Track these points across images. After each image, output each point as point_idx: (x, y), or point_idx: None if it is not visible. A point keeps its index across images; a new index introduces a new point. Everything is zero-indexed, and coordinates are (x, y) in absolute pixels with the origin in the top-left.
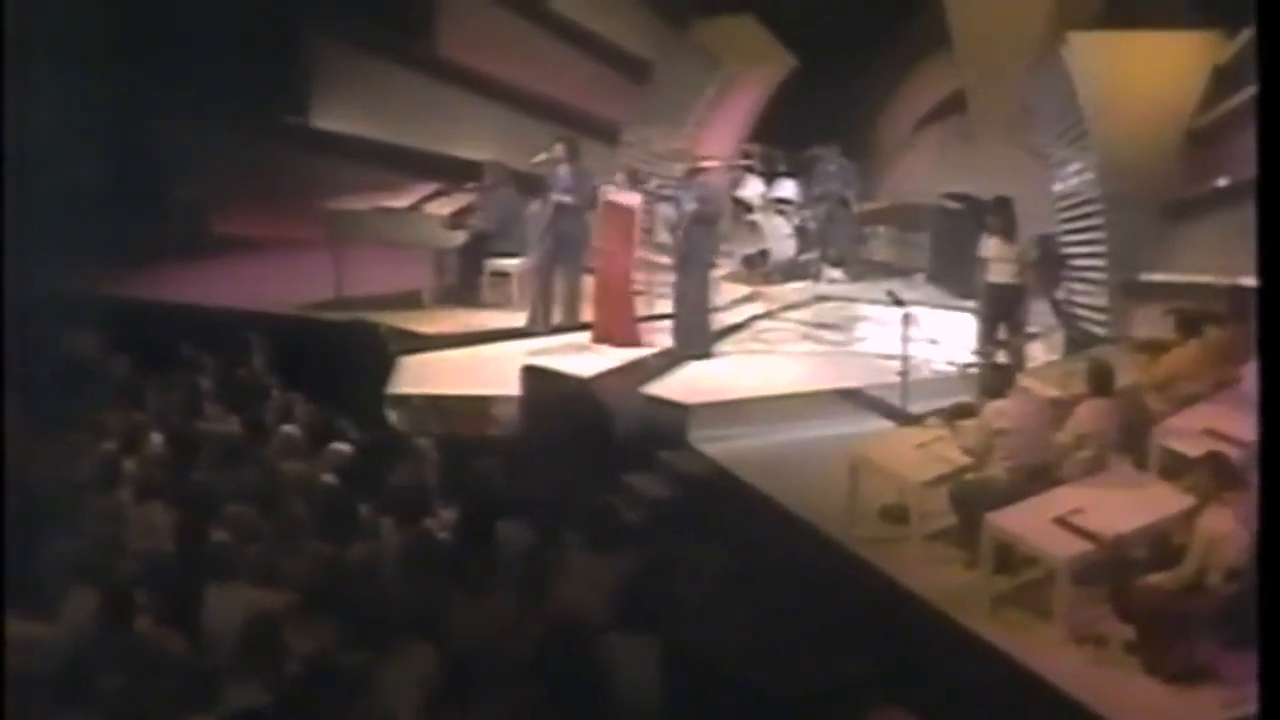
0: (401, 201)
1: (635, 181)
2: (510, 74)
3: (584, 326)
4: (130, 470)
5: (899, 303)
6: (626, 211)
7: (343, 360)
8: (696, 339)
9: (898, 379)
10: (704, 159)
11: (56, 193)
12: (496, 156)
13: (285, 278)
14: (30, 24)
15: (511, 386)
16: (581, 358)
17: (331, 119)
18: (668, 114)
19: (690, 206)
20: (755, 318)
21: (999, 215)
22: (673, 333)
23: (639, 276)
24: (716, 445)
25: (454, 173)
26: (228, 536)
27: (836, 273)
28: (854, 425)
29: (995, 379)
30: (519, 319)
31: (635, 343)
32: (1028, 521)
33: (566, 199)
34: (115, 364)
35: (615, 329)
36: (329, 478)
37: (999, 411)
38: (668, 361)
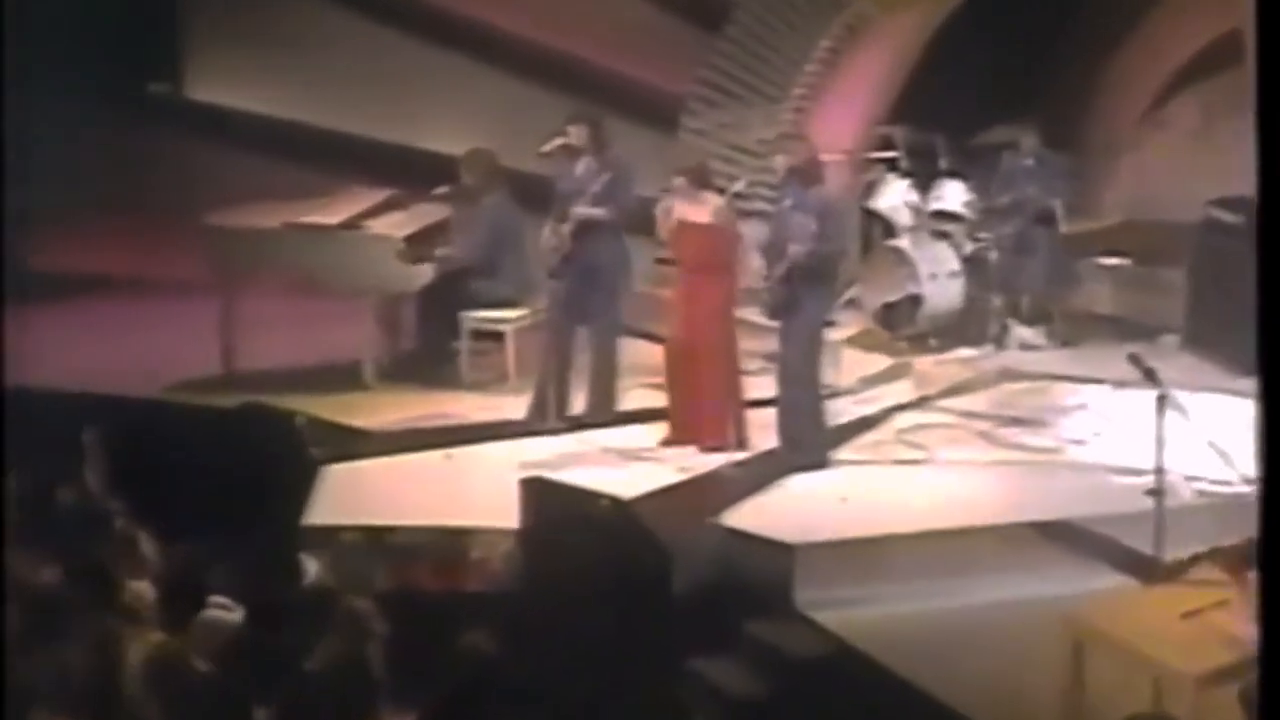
0: (331, 216)
1: (703, 184)
2: (508, 19)
3: (626, 418)
4: None
5: (1150, 375)
6: (711, 234)
7: (233, 472)
8: (805, 439)
9: (1146, 505)
10: (815, 150)
11: None
12: (482, 147)
13: (144, 340)
14: None
15: (506, 513)
16: (619, 467)
17: (218, 88)
18: (758, 81)
19: (795, 227)
20: (900, 407)
21: None
22: (778, 430)
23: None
24: (839, 611)
25: (415, 172)
26: None
27: (1031, 332)
28: (1069, 581)
29: None
30: (518, 406)
31: (737, 443)
32: None
33: (593, 212)
34: None
35: (706, 423)
36: (202, 662)
37: None
38: (759, 475)
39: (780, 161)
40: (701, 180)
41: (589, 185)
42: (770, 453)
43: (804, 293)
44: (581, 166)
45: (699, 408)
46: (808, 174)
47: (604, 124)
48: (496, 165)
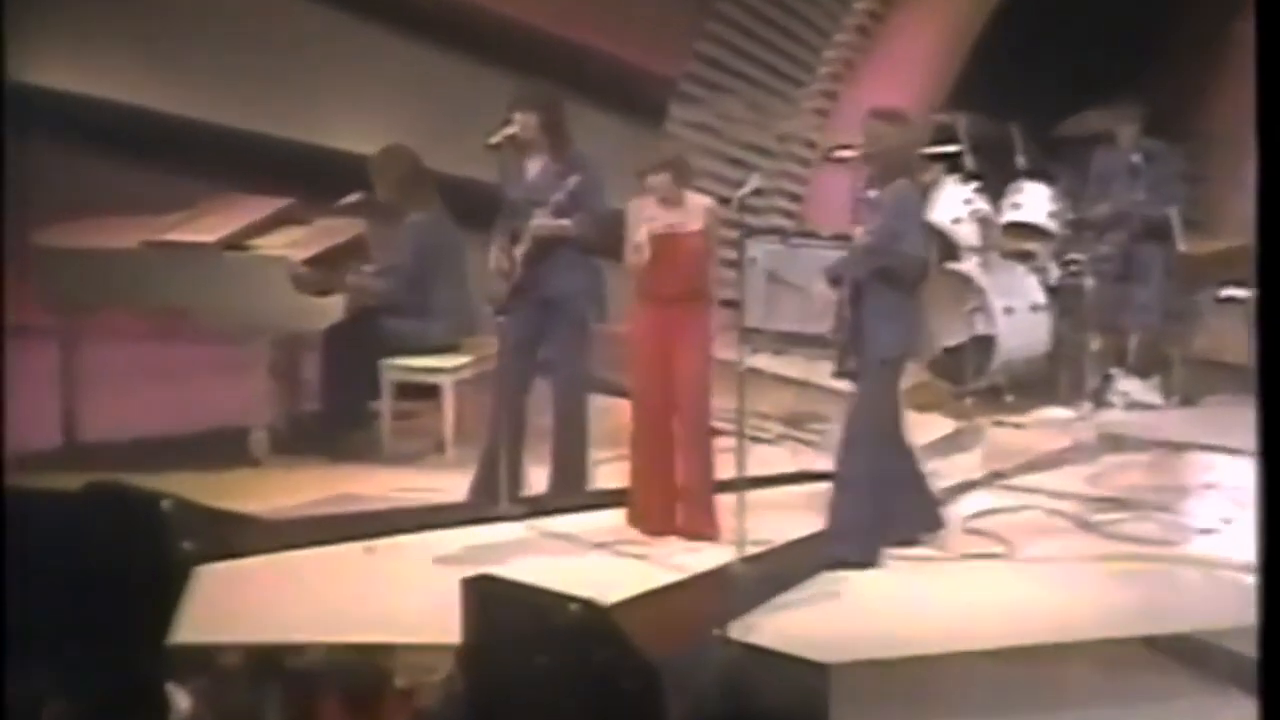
0: (206, 233)
1: (685, 182)
2: None
3: (601, 500)
4: None
5: None
6: (701, 248)
7: (77, 575)
8: (850, 525)
9: None
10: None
11: None
12: (400, 144)
13: None
14: None
15: (443, 625)
16: (593, 562)
17: (53, 67)
18: (773, 58)
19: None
20: (967, 485)
21: None
22: (829, 517)
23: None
24: None
25: (318, 176)
26: None
27: (1141, 386)
28: (1195, 712)
29: None
30: (458, 484)
31: (715, 531)
32: None
33: (558, 224)
34: None
35: (689, 508)
36: None
37: None
38: (778, 574)
39: (856, 150)
40: (683, 177)
41: (549, 191)
42: (792, 545)
43: (871, 318)
44: (536, 168)
45: (677, 487)
46: (891, 167)
47: (562, 110)
48: (420, 169)
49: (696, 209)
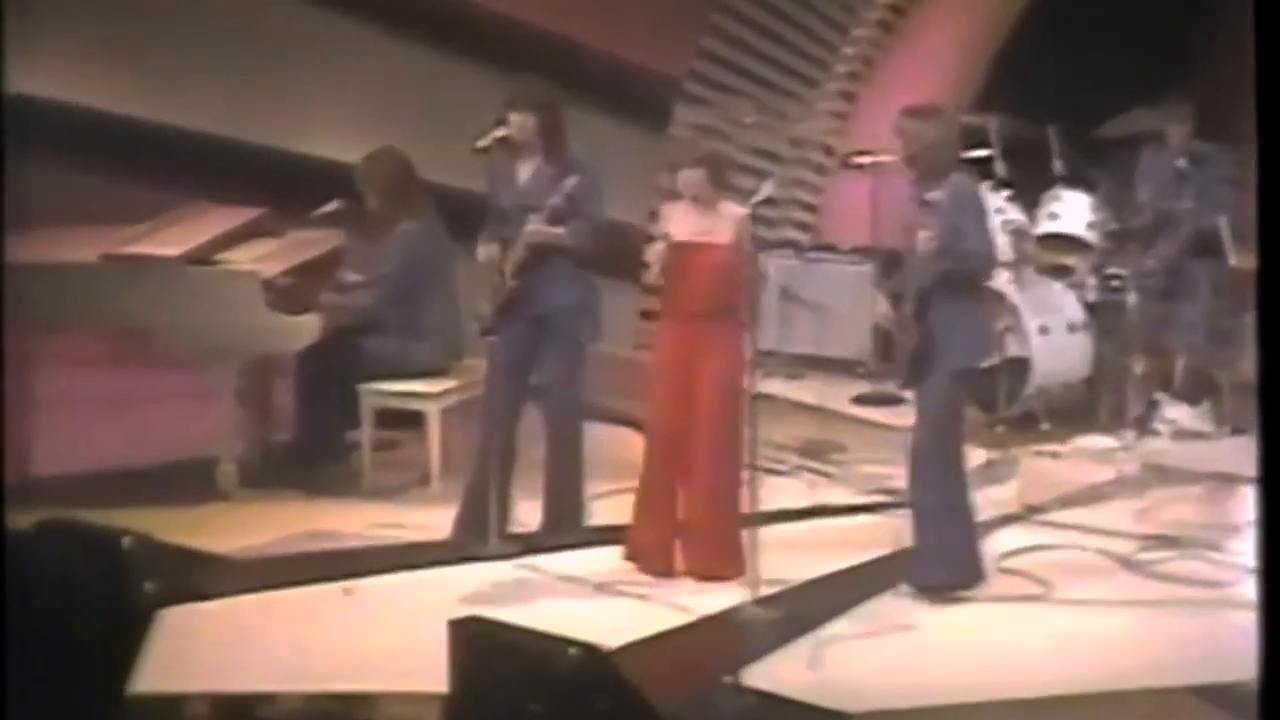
0: (170, 245)
1: (719, 180)
2: None
3: (599, 537)
4: None
5: None
6: (733, 261)
7: (28, 619)
8: (955, 547)
9: None
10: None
11: None
12: (391, 146)
13: None
14: None
15: (429, 671)
16: (594, 604)
17: (45, 76)
18: (785, 55)
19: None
20: (1001, 521)
21: None
22: (915, 544)
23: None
24: None
25: (293, 185)
26: None
27: (1189, 413)
28: None
29: None
30: (443, 520)
31: (739, 572)
32: None
33: (552, 232)
34: None
35: (697, 544)
36: None
37: None
38: (799, 616)
39: (895, 154)
40: (718, 177)
41: (544, 195)
42: (809, 585)
43: (942, 328)
44: (529, 172)
45: (678, 523)
46: (938, 164)
47: (561, 111)
48: (412, 174)
49: (729, 218)
